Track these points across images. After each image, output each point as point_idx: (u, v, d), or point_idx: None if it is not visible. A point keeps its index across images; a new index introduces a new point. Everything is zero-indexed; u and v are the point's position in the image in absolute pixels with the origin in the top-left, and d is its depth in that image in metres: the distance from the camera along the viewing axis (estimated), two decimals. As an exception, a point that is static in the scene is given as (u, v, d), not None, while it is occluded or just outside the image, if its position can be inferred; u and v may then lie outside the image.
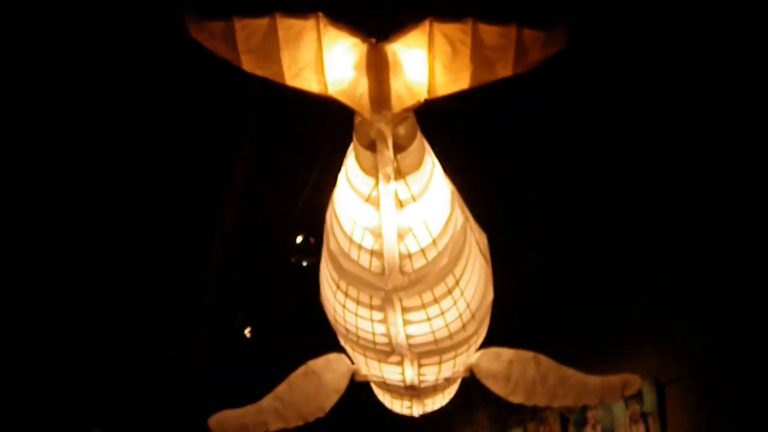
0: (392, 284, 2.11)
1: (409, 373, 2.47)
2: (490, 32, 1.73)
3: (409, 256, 2.06)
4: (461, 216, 2.18)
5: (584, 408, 5.47)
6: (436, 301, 2.22)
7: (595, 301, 5.49)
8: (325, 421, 3.11)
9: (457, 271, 2.22)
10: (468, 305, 2.28)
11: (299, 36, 1.72)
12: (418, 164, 1.96)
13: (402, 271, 2.08)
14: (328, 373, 2.72)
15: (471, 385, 2.86)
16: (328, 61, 1.73)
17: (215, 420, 2.96)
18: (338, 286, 2.26)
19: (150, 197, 6.95)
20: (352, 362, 2.80)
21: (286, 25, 1.72)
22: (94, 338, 8.85)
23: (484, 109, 5.99)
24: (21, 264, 6.79)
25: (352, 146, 1.98)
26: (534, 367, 2.68)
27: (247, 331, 6.94)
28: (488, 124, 5.97)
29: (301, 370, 2.80)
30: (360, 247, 2.07)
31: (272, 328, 6.32)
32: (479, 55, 1.73)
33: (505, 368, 2.66)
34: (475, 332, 2.43)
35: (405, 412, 2.90)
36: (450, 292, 2.22)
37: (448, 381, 2.69)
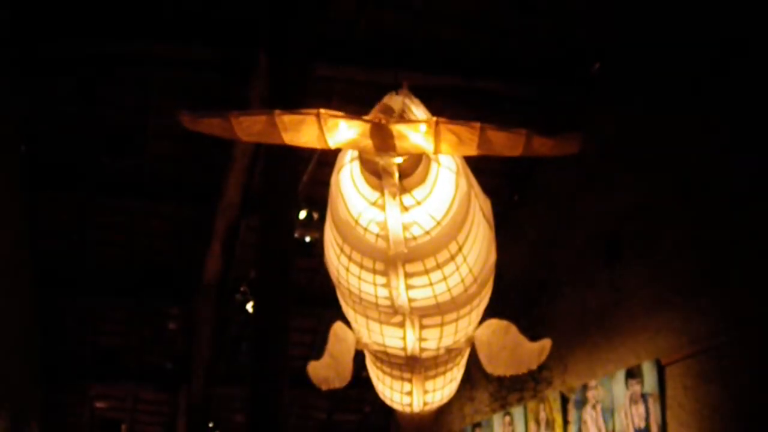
0: (395, 252, 2.16)
1: (410, 338, 2.46)
2: (498, 136, 1.80)
3: (414, 238, 2.14)
4: (465, 185, 2.19)
5: (584, 388, 5.48)
6: (438, 267, 2.24)
7: (598, 281, 5.49)
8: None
9: (461, 238, 2.23)
10: (470, 270, 2.29)
11: (300, 126, 1.79)
12: (423, 178, 2.04)
13: (406, 248, 2.15)
14: (348, 335, 2.73)
15: (472, 363, 2.86)
16: (330, 137, 1.82)
17: (310, 367, 2.96)
18: (342, 250, 2.28)
19: (154, 172, 6.97)
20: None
21: (286, 120, 1.79)
22: (96, 309, 8.91)
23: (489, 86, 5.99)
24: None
25: (356, 153, 2.06)
26: (503, 337, 2.69)
27: (249, 306, 6.95)
28: (493, 101, 5.96)
29: (331, 331, 2.81)
30: (366, 229, 2.14)
31: (274, 302, 6.33)
32: (486, 147, 1.82)
33: (488, 338, 2.67)
34: (478, 293, 2.43)
35: (405, 402, 2.87)
36: (453, 258, 2.24)
37: (450, 354, 2.68)
